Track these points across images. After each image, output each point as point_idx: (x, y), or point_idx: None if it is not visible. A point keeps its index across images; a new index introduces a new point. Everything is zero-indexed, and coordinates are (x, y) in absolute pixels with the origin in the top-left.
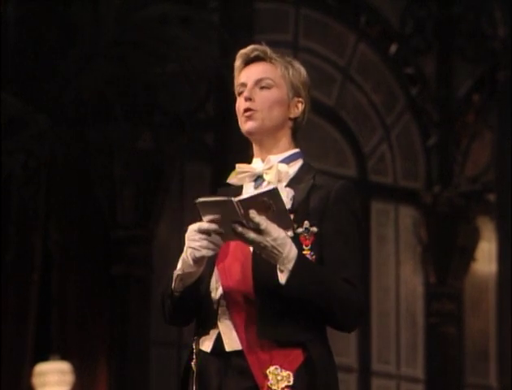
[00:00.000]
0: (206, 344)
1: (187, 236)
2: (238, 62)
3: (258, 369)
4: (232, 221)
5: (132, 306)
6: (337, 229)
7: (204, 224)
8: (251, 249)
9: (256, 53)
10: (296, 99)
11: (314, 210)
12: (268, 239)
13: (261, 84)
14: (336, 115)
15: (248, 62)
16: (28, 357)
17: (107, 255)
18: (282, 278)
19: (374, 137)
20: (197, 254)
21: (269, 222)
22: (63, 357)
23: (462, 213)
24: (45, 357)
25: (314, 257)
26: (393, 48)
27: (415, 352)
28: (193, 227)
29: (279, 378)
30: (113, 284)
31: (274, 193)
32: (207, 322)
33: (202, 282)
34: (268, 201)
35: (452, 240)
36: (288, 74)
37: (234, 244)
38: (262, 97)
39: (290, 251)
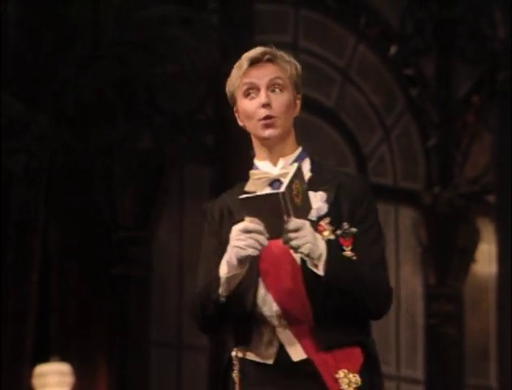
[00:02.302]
0: (264, 355)
1: (231, 236)
2: (245, 64)
3: (328, 375)
4: (275, 217)
5: (132, 307)
6: (363, 224)
7: (249, 225)
8: (296, 257)
9: (268, 56)
10: (296, 97)
11: (346, 210)
12: (308, 235)
13: (273, 88)
14: (336, 116)
15: (255, 62)
16: (27, 358)
17: (107, 256)
18: (319, 269)
19: (374, 138)
20: (243, 254)
21: (302, 221)
22: (63, 359)
23: (461, 214)
24: (44, 359)
25: (355, 257)
26: (393, 49)
27: (415, 353)
28: (237, 227)
29: (348, 381)
30: (113, 285)
31: (299, 173)
32: (260, 333)
33: (247, 289)
34: (298, 183)
35: (452, 241)
36: (293, 73)
37: (277, 253)
38: (278, 103)
39: (322, 241)
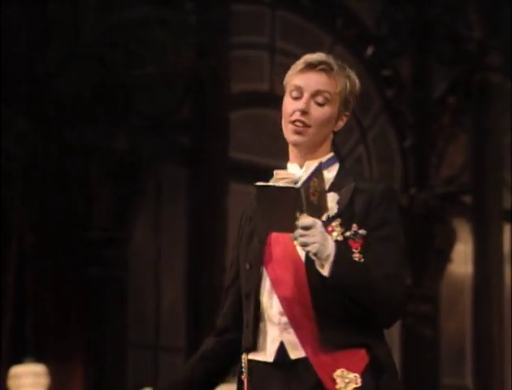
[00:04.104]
0: (265, 354)
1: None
2: (301, 66)
3: (325, 373)
4: (287, 211)
5: (109, 308)
6: (379, 231)
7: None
8: (302, 256)
9: (322, 66)
10: (343, 113)
11: (359, 212)
12: (317, 235)
13: (317, 98)
14: None
15: (310, 67)
16: (2, 359)
17: (83, 257)
18: (325, 270)
19: (350, 139)
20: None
21: (313, 219)
22: (38, 360)
23: (437, 214)
24: (19, 360)
25: (363, 259)
26: (369, 50)
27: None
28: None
29: (346, 380)
30: (89, 286)
31: (320, 171)
32: (263, 332)
33: (253, 288)
34: (317, 181)
35: (428, 242)
36: (346, 90)
37: (282, 253)
38: (317, 115)
39: (331, 243)
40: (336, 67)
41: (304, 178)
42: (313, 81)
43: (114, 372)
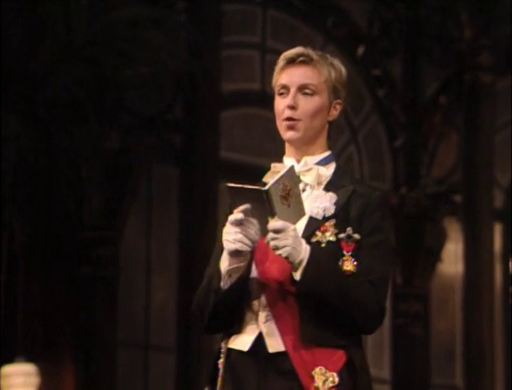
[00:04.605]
0: (242, 343)
1: (224, 230)
2: (281, 63)
3: (303, 370)
4: (261, 213)
5: (99, 307)
6: (371, 237)
7: (237, 215)
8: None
9: (302, 58)
10: (335, 101)
11: (354, 216)
12: (289, 239)
13: (304, 91)
14: None
15: (290, 62)
16: None
17: (74, 256)
18: (297, 275)
19: (341, 139)
20: (231, 247)
21: (284, 223)
22: (29, 359)
23: (428, 214)
24: (10, 359)
25: (355, 263)
26: (360, 50)
27: (382, 353)
28: (229, 219)
29: (324, 378)
30: (79, 285)
31: (292, 173)
32: (245, 322)
33: (245, 282)
34: (289, 185)
35: (418, 241)
36: (331, 77)
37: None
38: (305, 106)
39: (306, 248)
40: (315, 57)
41: (273, 180)
42: (296, 76)
43: (104, 371)
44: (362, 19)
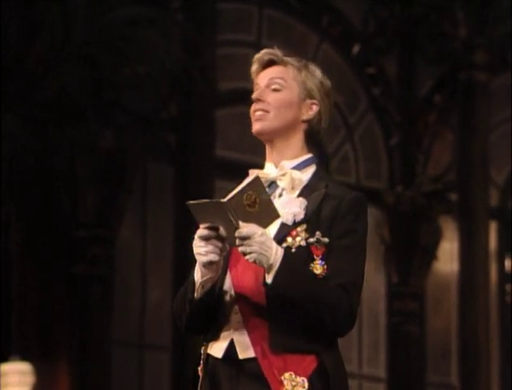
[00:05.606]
0: (217, 350)
1: (193, 243)
2: (254, 67)
3: (272, 375)
4: (226, 223)
5: (94, 306)
6: (342, 240)
7: (203, 231)
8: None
9: (269, 56)
10: (309, 101)
11: (325, 219)
12: (255, 245)
13: (272, 86)
14: None
15: (264, 66)
16: None
17: (69, 255)
18: (268, 279)
19: (337, 137)
20: (204, 259)
21: (252, 226)
22: (24, 358)
23: (424, 212)
24: (5, 358)
25: (325, 267)
26: (356, 48)
27: (377, 351)
28: (196, 234)
29: (294, 383)
30: (74, 284)
31: (256, 184)
32: (219, 328)
33: (218, 288)
34: (254, 194)
35: (414, 240)
36: (301, 75)
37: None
38: (273, 98)
39: (277, 251)
40: (280, 54)
41: (234, 192)
42: (266, 74)
43: (99, 370)
44: (357, 17)
